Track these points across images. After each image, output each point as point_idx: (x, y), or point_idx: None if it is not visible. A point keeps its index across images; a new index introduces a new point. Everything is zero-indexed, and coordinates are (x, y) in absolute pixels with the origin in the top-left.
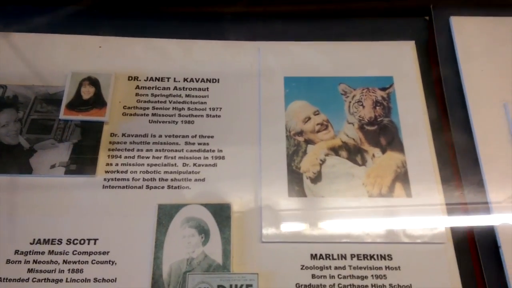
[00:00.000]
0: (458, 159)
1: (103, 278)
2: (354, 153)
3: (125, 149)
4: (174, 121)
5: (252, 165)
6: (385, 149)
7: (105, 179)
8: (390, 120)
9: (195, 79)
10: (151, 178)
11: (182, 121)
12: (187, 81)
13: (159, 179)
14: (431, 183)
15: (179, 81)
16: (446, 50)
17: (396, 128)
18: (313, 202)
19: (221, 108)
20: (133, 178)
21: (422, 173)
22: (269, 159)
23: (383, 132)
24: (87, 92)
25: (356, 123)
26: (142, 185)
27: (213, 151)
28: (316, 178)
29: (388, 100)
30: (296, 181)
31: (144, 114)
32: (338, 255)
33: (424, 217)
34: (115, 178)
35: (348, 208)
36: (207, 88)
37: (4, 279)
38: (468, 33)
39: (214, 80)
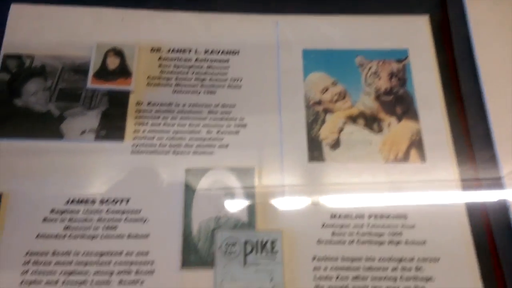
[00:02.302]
0: (471, 130)
1: (136, 234)
2: (370, 122)
3: (151, 117)
4: (197, 91)
5: (273, 132)
6: (401, 118)
7: (133, 145)
8: (406, 91)
9: (216, 51)
10: (177, 144)
11: (204, 91)
12: (208, 53)
13: (185, 145)
14: (444, 150)
15: (200, 53)
16: (459, 23)
17: (411, 98)
18: (332, 166)
19: (241, 79)
20: (160, 144)
21: (436, 141)
22: (290, 127)
23: (399, 102)
24: (112, 62)
25: (372, 93)
26: (169, 151)
27: (235, 119)
28: (335, 145)
29: (404, 71)
30: (315, 147)
31: (168, 84)
32: (356, 215)
33: (437, 180)
34: (143, 144)
35: (365, 172)
36: (228, 60)
37: (41, 235)
38: (481, 6)
39: (234, 52)
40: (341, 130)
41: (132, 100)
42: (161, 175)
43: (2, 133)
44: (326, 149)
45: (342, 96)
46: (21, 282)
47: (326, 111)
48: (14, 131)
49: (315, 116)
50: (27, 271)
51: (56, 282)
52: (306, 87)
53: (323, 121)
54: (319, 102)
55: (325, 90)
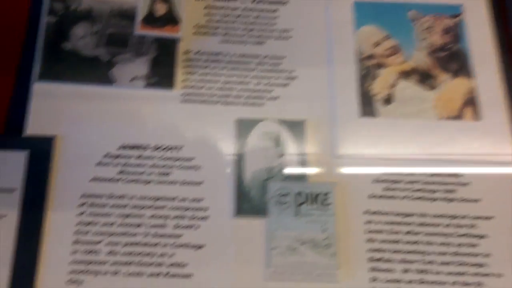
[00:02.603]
0: None
1: (189, 181)
2: (424, 78)
3: (200, 66)
4: (244, 42)
5: (323, 86)
6: (455, 75)
7: (182, 94)
8: (460, 47)
9: (264, 0)
10: (226, 95)
11: (252, 42)
12: (256, 2)
13: (234, 96)
14: (499, 108)
15: (247, 2)
16: None
17: (465, 55)
18: (384, 122)
19: (290, 30)
20: (209, 94)
21: (491, 99)
22: (340, 81)
23: (453, 59)
24: (160, 8)
25: (426, 49)
26: (218, 101)
27: (285, 71)
28: (387, 101)
29: (458, 27)
30: (367, 102)
31: (215, 34)
32: (408, 171)
33: (492, 138)
34: (192, 94)
35: (418, 129)
36: (276, 10)
37: (96, 178)
38: None
39: (283, 2)
40: (393, 85)
41: (180, 48)
42: (212, 125)
43: (52, 76)
44: (378, 105)
45: (394, 50)
46: (78, 223)
47: (378, 66)
48: (64, 74)
49: (367, 70)
50: (83, 213)
51: (113, 224)
52: (358, 40)
53: (375, 76)
54: (371, 56)
55: (377, 44)
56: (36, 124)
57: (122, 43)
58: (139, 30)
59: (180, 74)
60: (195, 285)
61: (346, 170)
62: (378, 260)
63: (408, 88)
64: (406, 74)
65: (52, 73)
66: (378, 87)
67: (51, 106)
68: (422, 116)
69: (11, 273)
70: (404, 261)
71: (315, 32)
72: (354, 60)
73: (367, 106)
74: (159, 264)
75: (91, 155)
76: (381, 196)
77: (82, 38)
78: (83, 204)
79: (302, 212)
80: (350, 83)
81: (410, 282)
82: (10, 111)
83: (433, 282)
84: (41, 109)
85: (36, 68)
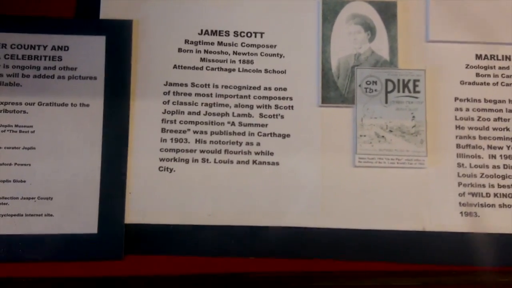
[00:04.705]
0: None
1: (273, 70)
2: None
3: None
4: None
5: None
6: None
7: None
8: None
9: None
10: None
11: None
12: None
13: None
14: None
15: None
16: None
17: None
18: (482, 3)
19: None
20: None
21: None
22: None
23: None
24: None
25: None
26: None
27: None
28: None
29: None
30: None
31: None
32: (502, 55)
33: None
34: None
35: None
36: None
37: (179, 66)
38: None
39: None
40: None
41: None
42: (296, 6)
43: None
44: None
45: None
46: (164, 111)
47: None
48: None
49: None
50: (168, 101)
51: (199, 112)
52: None
53: None
54: None
55: None
56: (109, 6)
57: None
58: None
59: None
60: (283, 172)
61: (437, 55)
62: (466, 147)
63: None
64: None
65: None
66: None
67: None
68: None
69: (102, 162)
70: (490, 147)
71: None
72: None
73: None
74: (247, 152)
75: (171, 41)
76: (472, 83)
77: None
78: (167, 93)
79: (391, 99)
80: None
81: (495, 167)
82: None
83: None
84: None
85: None
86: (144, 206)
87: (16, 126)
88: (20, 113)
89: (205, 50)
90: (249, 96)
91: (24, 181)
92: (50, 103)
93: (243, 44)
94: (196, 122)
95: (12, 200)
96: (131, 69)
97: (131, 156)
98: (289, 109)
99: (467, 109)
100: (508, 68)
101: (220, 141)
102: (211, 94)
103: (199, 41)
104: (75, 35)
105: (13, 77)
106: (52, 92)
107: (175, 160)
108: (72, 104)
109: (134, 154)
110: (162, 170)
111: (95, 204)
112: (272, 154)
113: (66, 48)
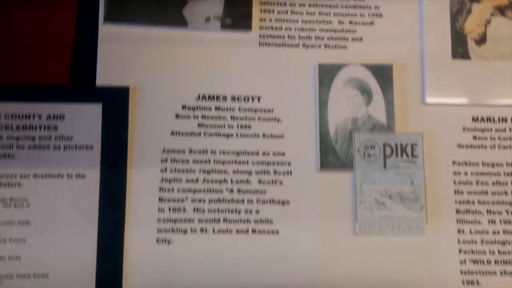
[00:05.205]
0: None
1: (271, 134)
2: None
3: (277, 3)
4: None
5: (412, 23)
6: None
7: (260, 36)
8: None
9: None
10: (307, 36)
11: None
12: None
13: (315, 37)
14: None
15: None
16: None
17: None
18: (477, 65)
19: None
20: (288, 36)
21: None
22: (431, 18)
23: None
24: None
25: None
26: (299, 43)
27: (369, 7)
28: (481, 40)
29: None
30: (460, 42)
31: None
32: (499, 118)
33: None
34: (270, 35)
35: None
36: None
37: (176, 132)
38: None
39: None
40: (488, 22)
41: None
42: (291, 70)
43: (122, 18)
44: (471, 45)
45: None
46: (162, 179)
47: (472, 0)
48: (133, 15)
49: (460, 5)
50: (165, 169)
51: (197, 180)
52: None
53: (469, 12)
54: None
55: None
56: (105, 73)
57: None
58: None
59: (257, 13)
60: (283, 241)
61: (434, 118)
62: (465, 212)
63: (504, 26)
64: (502, 10)
65: (121, 15)
66: (472, 24)
67: (120, 51)
68: None
69: (98, 234)
70: (490, 212)
71: None
72: None
73: (460, 46)
74: (246, 221)
75: (168, 107)
76: (470, 146)
77: None
78: (165, 160)
79: (389, 164)
80: (441, 20)
81: (495, 233)
82: (75, 58)
83: None
84: (109, 56)
85: (101, 7)
86: (142, 280)
87: (10, 199)
88: (14, 186)
89: (202, 116)
90: (247, 161)
91: (19, 258)
92: (46, 175)
93: (240, 109)
94: (194, 190)
95: (7, 279)
96: (127, 137)
97: (128, 227)
98: (288, 174)
99: (466, 173)
100: (504, 130)
101: (218, 209)
102: (209, 160)
103: (197, 106)
104: (71, 103)
105: (8, 149)
106: (47, 163)
107: (173, 231)
108: (68, 175)
109: (131, 225)
110: (159, 242)
111: (91, 280)
112: (271, 222)
113: (62, 117)
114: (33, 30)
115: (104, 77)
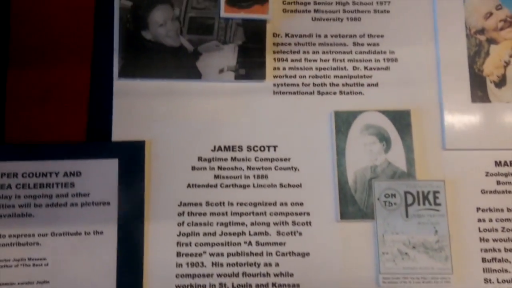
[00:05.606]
0: None
1: (288, 184)
2: None
3: (291, 51)
4: (339, 18)
5: (429, 67)
6: None
7: (274, 85)
8: None
9: None
10: (321, 83)
11: (347, 17)
12: None
13: (330, 84)
14: None
15: None
16: None
17: None
18: (498, 108)
19: (389, 2)
20: (303, 83)
21: None
22: (449, 61)
23: None
24: None
25: None
26: (313, 91)
27: (385, 52)
28: (501, 82)
29: None
30: (479, 85)
31: (306, 10)
32: None
33: None
34: (285, 84)
35: None
36: None
37: (192, 185)
38: None
39: None
40: (507, 64)
41: (268, 31)
42: (307, 118)
43: (136, 73)
44: (490, 87)
45: (508, 23)
46: (179, 233)
47: (490, 41)
48: (148, 70)
49: (478, 47)
50: (183, 223)
51: (214, 233)
52: (467, 12)
53: (487, 54)
54: (481, 31)
55: (489, 15)
56: (121, 127)
57: (206, 29)
58: (225, 12)
59: (270, 62)
60: None
61: (456, 164)
62: (492, 260)
63: None
64: None
65: (136, 70)
66: (491, 66)
67: (135, 106)
68: None
69: None
70: None
71: (418, 4)
72: (463, 36)
73: (479, 90)
74: (266, 274)
75: (184, 160)
76: (493, 191)
77: (162, 25)
78: (182, 214)
79: (411, 213)
80: (459, 63)
81: None
82: (91, 113)
83: None
84: (124, 110)
85: (116, 62)
86: None
87: (29, 259)
88: (33, 245)
89: (218, 167)
90: (265, 213)
91: None
92: (63, 233)
93: (256, 159)
94: (212, 243)
95: None
96: (144, 191)
97: (146, 284)
98: (307, 225)
99: (490, 220)
100: None
101: (237, 263)
102: (226, 212)
103: (212, 158)
104: (88, 159)
105: (25, 208)
106: (65, 221)
107: (191, 286)
108: (85, 232)
109: (149, 281)
110: None
111: None
112: (292, 275)
113: (79, 174)
114: (49, 87)
115: (120, 132)
